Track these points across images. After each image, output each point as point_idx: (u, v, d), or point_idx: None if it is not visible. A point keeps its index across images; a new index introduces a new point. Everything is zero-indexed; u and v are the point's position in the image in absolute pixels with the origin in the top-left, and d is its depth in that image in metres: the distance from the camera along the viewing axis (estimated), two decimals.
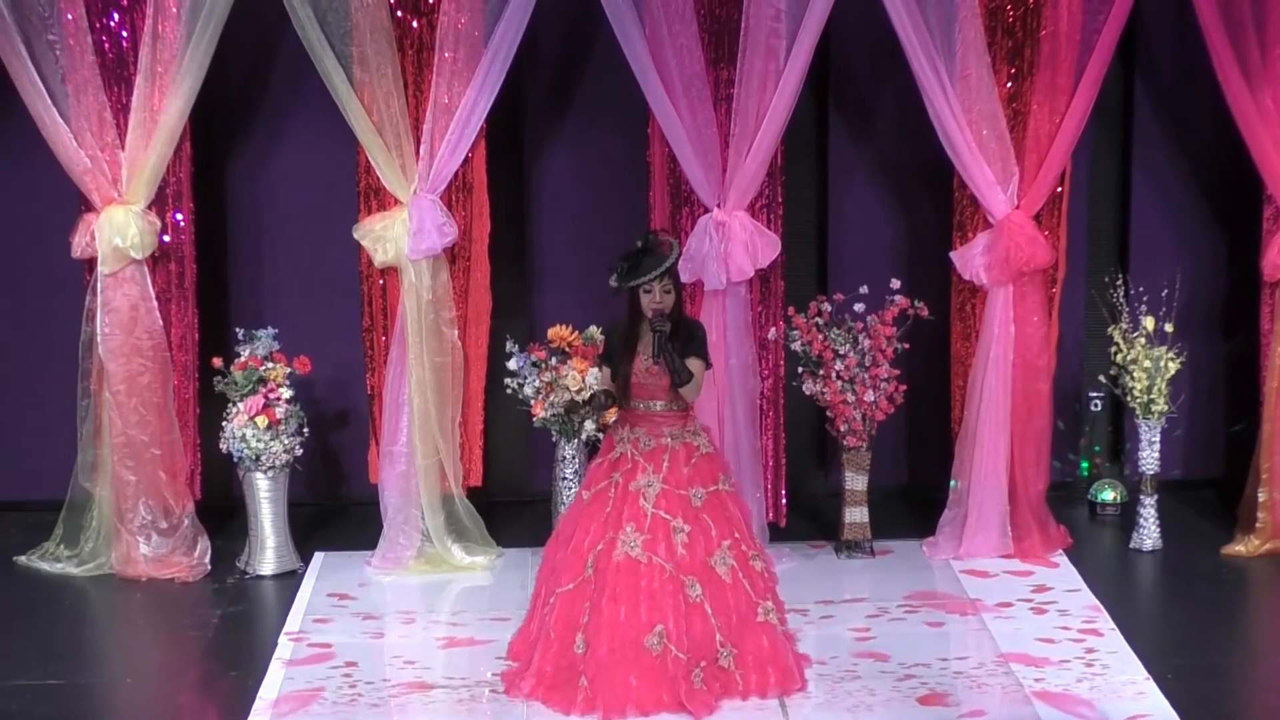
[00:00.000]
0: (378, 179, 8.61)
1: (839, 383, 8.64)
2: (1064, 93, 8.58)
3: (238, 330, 8.84)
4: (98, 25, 8.42)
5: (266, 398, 8.60)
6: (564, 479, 8.86)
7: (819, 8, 8.38)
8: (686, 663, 6.95)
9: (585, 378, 8.67)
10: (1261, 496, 8.80)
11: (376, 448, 8.85)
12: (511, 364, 8.89)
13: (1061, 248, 8.81)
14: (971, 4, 8.43)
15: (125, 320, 8.56)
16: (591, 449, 8.62)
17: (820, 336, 8.64)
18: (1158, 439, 8.87)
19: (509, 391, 8.93)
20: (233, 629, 8.06)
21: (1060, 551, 8.86)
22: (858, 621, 7.95)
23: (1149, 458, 8.88)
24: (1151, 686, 7.22)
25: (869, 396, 8.63)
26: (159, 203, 8.61)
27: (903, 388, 8.73)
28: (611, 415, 7.29)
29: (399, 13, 8.47)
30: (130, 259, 8.51)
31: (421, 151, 8.56)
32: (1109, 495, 9.49)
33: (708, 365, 7.25)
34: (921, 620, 8.00)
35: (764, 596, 7.16)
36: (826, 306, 8.71)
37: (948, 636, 7.83)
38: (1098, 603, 8.16)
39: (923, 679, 7.30)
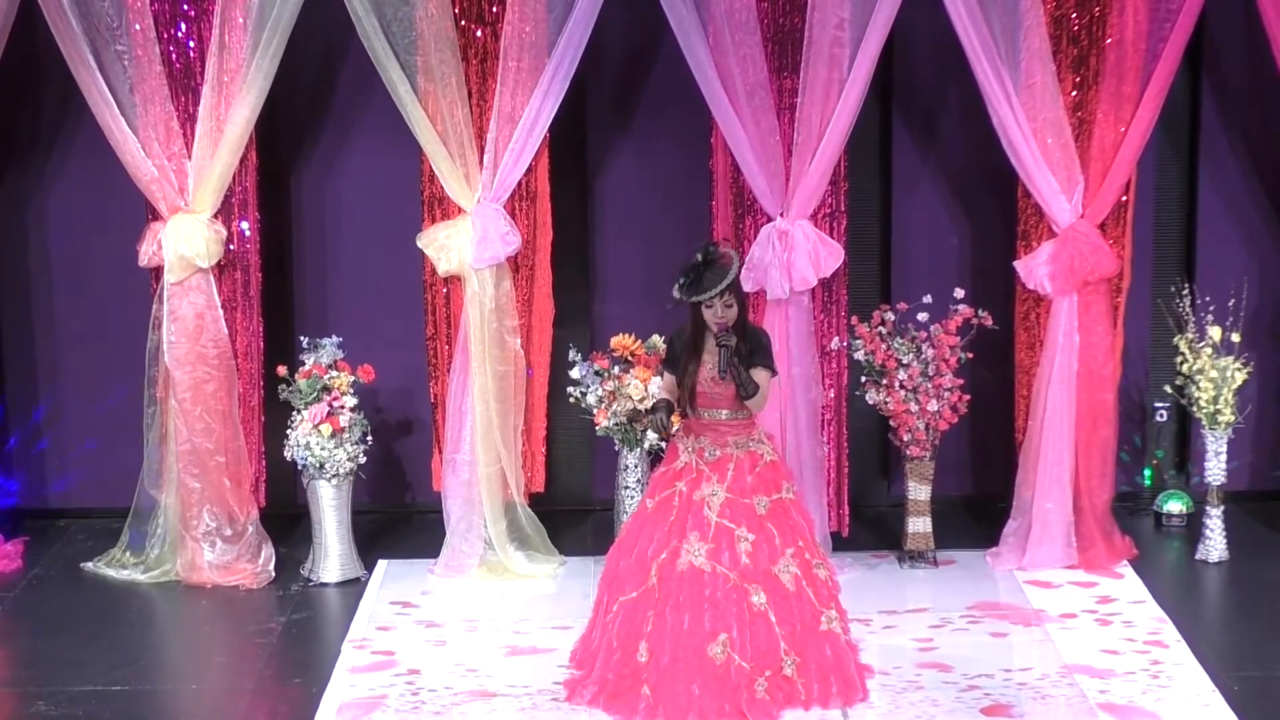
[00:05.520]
0: (441, 188, 8.62)
1: (902, 392, 8.61)
2: (1129, 101, 8.50)
3: (302, 339, 8.86)
4: (165, 36, 8.45)
5: (330, 406, 8.61)
6: (626, 488, 8.84)
7: (882, 16, 8.33)
8: (750, 672, 6.94)
9: (648, 386, 8.67)
10: None
11: (439, 456, 8.86)
12: (574, 373, 8.89)
13: (1126, 256, 8.73)
14: (1036, 12, 8.36)
15: (191, 329, 8.60)
16: (654, 458, 8.61)
17: (883, 346, 8.62)
18: (1224, 449, 8.79)
19: (572, 400, 8.92)
20: (296, 636, 8.09)
21: (1125, 562, 8.77)
22: (921, 632, 7.92)
23: (1215, 468, 8.81)
24: (1217, 699, 7.18)
25: (932, 406, 8.60)
26: (225, 212, 8.65)
27: (966, 397, 8.69)
28: (675, 423, 7.31)
29: (463, 22, 8.46)
30: (196, 268, 8.54)
31: (485, 160, 8.55)
32: (1175, 506, 9.41)
33: (773, 374, 7.23)
34: (985, 631, 7.95)
35: (827, 605, 7.15)
36: (890, 316, 8.68)
37: (1011, 647, 7.79)
38: (1163, 614, 8.10)
39: (986, 690, 7.27)
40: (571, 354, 8.91)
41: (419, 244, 8.69)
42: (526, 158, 8.58)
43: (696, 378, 7.14)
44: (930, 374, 8.62)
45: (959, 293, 8.67)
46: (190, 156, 8.54)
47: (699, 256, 7.03)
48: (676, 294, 7.04)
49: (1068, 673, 7.46)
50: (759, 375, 7.08)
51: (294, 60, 8.62)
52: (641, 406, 8.62)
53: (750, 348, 7.11)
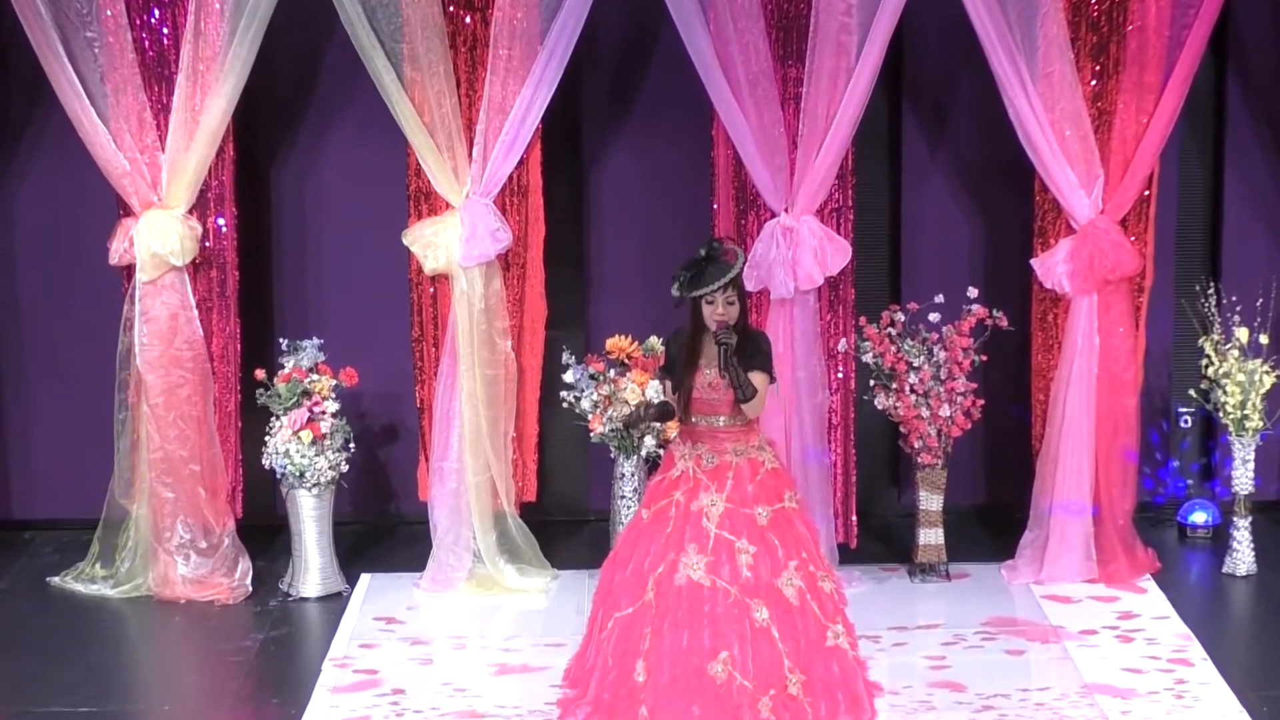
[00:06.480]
0: (428, 182, 8.59)
1: (913, 397, 8.55)
2: (1152, 91, 8.50)
3: (281, 341, 8.84)
4: (138, 22, 8.43)
5: (311, 411, 8.57)
6: (623, 497, 8.78)
7: (892, 2, 8.31)
8: (753, 691, 6.81)
9: (645, 391, 8.61)
10: None
11: (426, 464, 8.84)
12: (568, 376, 8.85)
13: (1149, 254, 8.73)
14: None
15: (164, 330, 8.56)
16: (651, 465, 8.59)
17: (893, 348, 8.57)
18: (1252, 457, 8.76)
19: (565, 405, 8.89)
20: (275, 654, 8.03)
21: (1148, 576, 8.73)
22: (932, 649, 7.88)
23: (1243, 477, 8.77)
24: None
25: (944, 411, 8.54)
26: (200, 207, 8.62)
27: (980, 402, 8.65)
28: (672, 430, 7.19)
29: (451, 8, 8.47)
30: (170, 266, 8.50)
31: (474, 153, 8.54)
32: (1200, 517, 9.34)
33: (771, 379, 7.13)
34: (1000, 648, 7.90)
35: (833, 619, 7.01)
36: (900, 316, 8.65)
37: (1028, 665, 7.75)
38: (1188, 631, 8.05)
39: (1002, 711, 7.19)
40: (565, 356, 8.85)
41: (405, 241, 8.64)
42: (518, 150, 8.54)
43: (694, 381, 7.04)
44: (942, 377, 8.58)
45: (972, 292, 8.62)
46: (164, 149, 8.51)
47: (702, 251, 6.98)
48: (676, 290, 6.95)
49: (1088, 692, 7.39)
50: (756, 379, 6.98)
51: (273, 48, 8.57)
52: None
53: (750, 350, 7.02)
